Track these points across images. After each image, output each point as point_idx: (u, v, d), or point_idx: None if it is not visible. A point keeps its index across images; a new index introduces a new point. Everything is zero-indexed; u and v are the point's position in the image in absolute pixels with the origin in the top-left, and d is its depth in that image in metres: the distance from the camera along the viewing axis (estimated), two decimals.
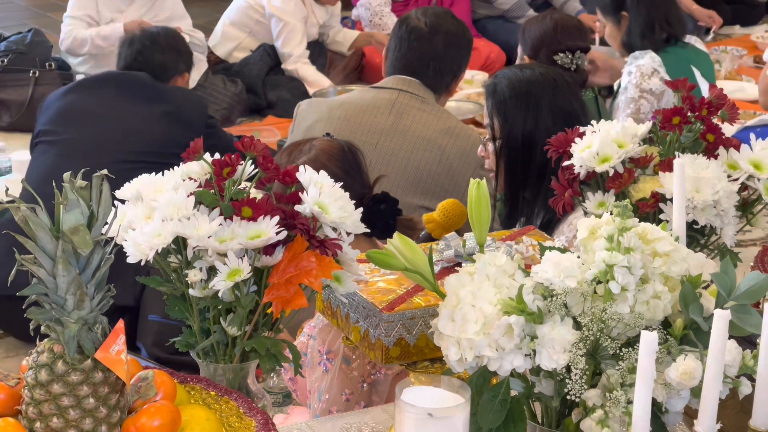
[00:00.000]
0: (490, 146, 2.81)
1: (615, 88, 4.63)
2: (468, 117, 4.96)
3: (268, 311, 1.67)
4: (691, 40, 4.75)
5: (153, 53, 4.33)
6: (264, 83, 6.01)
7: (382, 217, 2.78)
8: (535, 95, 2.77)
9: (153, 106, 4.06)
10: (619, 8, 4.64)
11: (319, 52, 6.28)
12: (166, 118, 4.05)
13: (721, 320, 1.40)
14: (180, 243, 1.63)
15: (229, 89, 5.86)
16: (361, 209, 1.68)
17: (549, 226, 2.67)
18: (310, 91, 5.85)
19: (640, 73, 4.49)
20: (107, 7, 5.69)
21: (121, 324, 1.50)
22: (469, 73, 5.28)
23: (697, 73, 4.57)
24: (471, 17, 6.87)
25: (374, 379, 2.33)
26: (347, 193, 1.68)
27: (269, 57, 6.08)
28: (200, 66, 5.76)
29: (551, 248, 1.57)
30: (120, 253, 1.58)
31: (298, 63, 6.00)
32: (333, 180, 1.69)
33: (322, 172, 1.69)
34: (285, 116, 5.57)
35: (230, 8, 6.26)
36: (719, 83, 5.39)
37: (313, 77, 6.00)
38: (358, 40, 6.40)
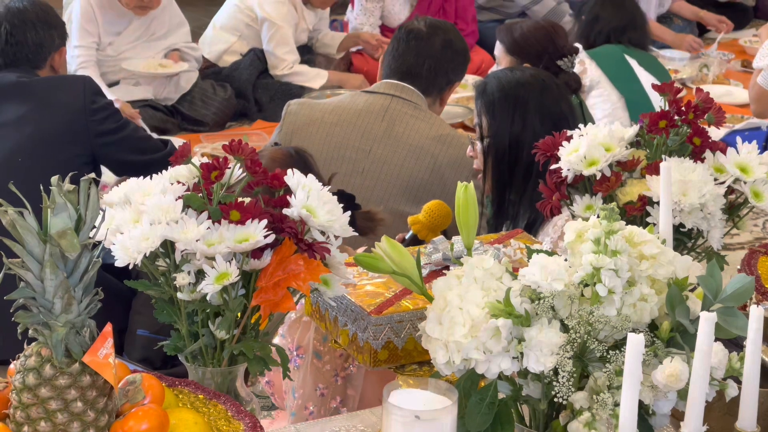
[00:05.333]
0: (478, 146, 2.83)
1: None
2: (457, 121, 4.96)
3: (256, 315, 1.67)
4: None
5: (25, 33, 3.80)
6: (254, 88, 6.01)
7: None
8: (524, 96, 2.79)
9: (21, 109, 3.62)
10: (579, 13, 4.80)
11: (307, 57, 6.28)
12: (33, 119, 3.60)
13: (707, 323, 1.40)
14: (168, 246, 1.63)
15: (218, 94, 5.85)
16: (349, 212, 1.69)
17: (533, 227, 2.69)
18: (315, 84, 5.85)
19: None
20: (106, 31, 5.63)
21: (109, 327, 1.50)
22: None
23: (634, 63, 4.66)
24: (476, 17, 6.85)
25: (348, 373, 2.33)
26: None
27: (259, 61, 6.08)
28: (191, 77, 5.74)
29: (538, 251, 1.58)
30: None
31: (294, 67, 6.02)
32: None
33: (310, 176, 1.69)
34: (274, 120, 5.56)
35: (220, 12, 6.25)
36: (707, 87, 5.41)
37: (312, 71, 6.02)
38: (345, 41, 6.41)
